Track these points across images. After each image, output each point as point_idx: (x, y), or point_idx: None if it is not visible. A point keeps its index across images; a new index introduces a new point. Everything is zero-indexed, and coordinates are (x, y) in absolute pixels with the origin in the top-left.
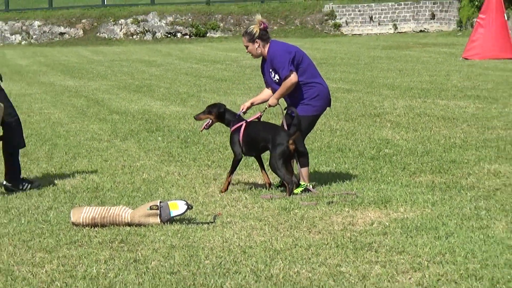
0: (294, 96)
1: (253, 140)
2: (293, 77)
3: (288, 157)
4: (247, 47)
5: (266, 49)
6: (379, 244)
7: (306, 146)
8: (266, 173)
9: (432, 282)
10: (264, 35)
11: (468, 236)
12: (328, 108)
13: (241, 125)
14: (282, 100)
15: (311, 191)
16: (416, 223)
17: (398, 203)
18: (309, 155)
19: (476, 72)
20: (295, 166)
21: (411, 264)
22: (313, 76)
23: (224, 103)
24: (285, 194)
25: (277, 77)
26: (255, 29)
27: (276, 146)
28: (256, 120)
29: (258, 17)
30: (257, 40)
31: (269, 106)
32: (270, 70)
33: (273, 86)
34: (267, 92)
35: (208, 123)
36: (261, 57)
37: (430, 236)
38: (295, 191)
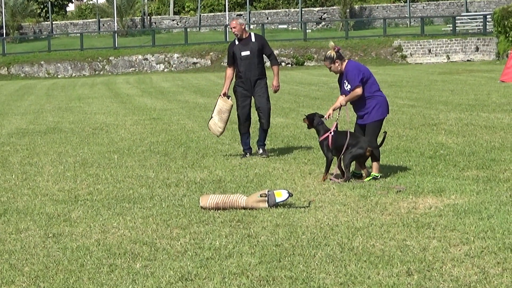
0: (360, 106)
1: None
2: (359, 90)
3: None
4: (330, 68)
5: (343, 65)
6: (436, 223)
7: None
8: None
9: (477, 253)
10: (339, 56)
11: (505, 218)
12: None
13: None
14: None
15: (378, 179)
16: (464, 208)
17: (450, 192)
18: (382, 155)
19: (510, 91)
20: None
21: (461, 239)
22: (375, 91)
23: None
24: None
25: (349, 86)
26: (331, 53)
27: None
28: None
29: (331, 43)
30: (336, 60)
31: (340, 105)
32: (345, 81)
33: (346, 94)
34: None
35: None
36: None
37: (475, 217)
38: (366, 179)
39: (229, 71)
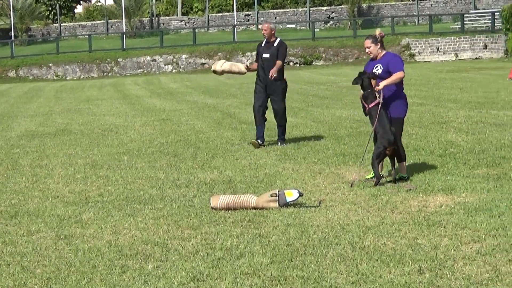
0: (392, 98)
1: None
2: (402, 74)
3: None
4: (369, 47)
5: (382, 53)
6: (447, 221)
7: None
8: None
9: (488, 251)
10: (382, 43)
11: None
12: (406, 117)
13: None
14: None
15: (406, 180)
16: (475, 205)
17: (460, 190)
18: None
19: None
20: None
21: (472, 237)
22: (403, 88)
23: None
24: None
25: (380, 71)
26: (378, 35)
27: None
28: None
29: (378, 30)
30: (379, 43)
31: (377, 89)
32: (377, 65)
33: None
34: None
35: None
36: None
37: (486, 215)
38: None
39: (254, 66)
